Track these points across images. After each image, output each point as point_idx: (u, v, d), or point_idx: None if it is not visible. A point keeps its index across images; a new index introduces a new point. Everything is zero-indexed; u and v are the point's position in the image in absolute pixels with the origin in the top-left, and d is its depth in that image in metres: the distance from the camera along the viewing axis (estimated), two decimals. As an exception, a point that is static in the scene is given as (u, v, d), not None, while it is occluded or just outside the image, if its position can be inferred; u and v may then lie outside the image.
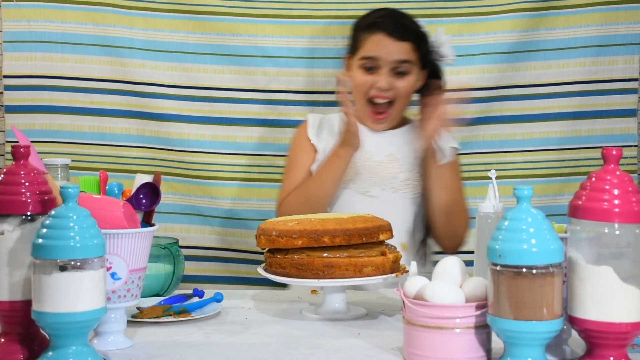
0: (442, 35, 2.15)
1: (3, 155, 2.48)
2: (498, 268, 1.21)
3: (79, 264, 1.21)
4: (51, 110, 2.47)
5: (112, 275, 1.37)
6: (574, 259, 1.24)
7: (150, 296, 1.70)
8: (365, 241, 1.58)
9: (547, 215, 1.23)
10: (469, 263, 1.38)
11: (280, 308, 1.67)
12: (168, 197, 2.45)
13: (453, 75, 2.29)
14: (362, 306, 1.66)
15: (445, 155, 2.09)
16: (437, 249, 2.18)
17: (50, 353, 1.23)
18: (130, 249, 1.39)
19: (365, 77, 2.09)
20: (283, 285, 2.12)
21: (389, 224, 1.64)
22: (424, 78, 2.13)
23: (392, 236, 1.63)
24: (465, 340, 1.25)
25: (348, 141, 2.02)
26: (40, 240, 1.22)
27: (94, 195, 1.45)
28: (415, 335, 1.28)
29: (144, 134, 2.47)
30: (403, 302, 1.29)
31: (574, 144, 2.45)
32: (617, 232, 1.21)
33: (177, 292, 1.77)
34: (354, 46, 2.14)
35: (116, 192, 1.48)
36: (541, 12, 2.42)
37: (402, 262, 1.64)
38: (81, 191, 1.33)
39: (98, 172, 1.52)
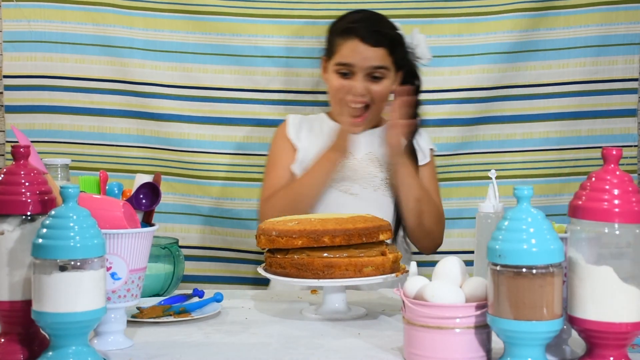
0: (417, 35, 2.15)
1: (3, 155, 2.48)
2: (498, 268, 1.21)
3: (79, 264, 1.21)
4: (51, 110, 2.47)
5: (112, 275, 1.37)
6: (574, 259, 1.24)
7: (150, 296, 1.70)
8: (365, 241, 1.58)
9: (547, 215, 1.23)
10: (469, 263, 1.38)
11: (280, 308, 1.67)
12: (168, 197, 2.44)
13: (453, 75, 2.29)
14: (362, 306, 1.66)
15: (425, 156, 2.10)
16: (415, 249, 2.19)
17: (50, 353, 1.23)
18: (130, 249, 1.39)
19: (340, 81, 2.11)
20: (267, 283, 2.12)
21: (389, 224, 1.64)
22: (400, 79, 2.14)
23: (392, 236, 1.63)
24: (465, 340, 1.25)
25: (339, 146, 2.05)
26: (40, 240, 1.22)
27: (94, 195, 1.45)
28: (415, 335, 1.28)
29: (144, 134, 2.47)
30: (403, 302, 1.29)
31: (573, 144, 2.45)
32: (617, 232, 1.21)
33: (177, 292, 1.77)
34: (330, 50, 2.16)
35: (116, 192, 1.48)
36: (541, 12, 2.41)
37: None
38: (81, 191, 1.33)
39: (98, 172, 1.52)
